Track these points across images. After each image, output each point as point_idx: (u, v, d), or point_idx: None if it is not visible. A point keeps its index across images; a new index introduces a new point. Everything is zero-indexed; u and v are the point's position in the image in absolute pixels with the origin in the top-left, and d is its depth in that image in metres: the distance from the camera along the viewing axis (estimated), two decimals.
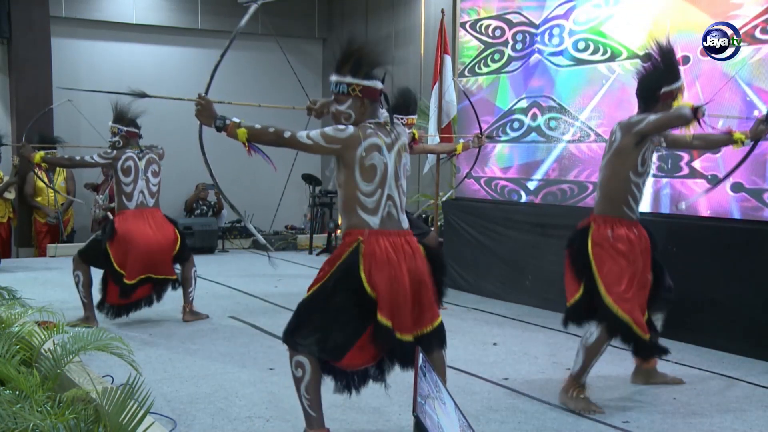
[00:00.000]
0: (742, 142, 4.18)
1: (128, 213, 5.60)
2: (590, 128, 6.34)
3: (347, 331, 3.17)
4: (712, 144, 4.43)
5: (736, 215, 5.21)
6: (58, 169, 9.22)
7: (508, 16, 7.03)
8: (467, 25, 7.46)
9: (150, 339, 5.30)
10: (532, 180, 6.85)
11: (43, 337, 3.89)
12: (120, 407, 2.77)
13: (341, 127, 3.17)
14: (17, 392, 3.13)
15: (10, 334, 3.91)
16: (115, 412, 2.77)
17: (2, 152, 8.57)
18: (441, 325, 3.35)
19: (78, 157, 5.80)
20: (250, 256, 10.06)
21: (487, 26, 7.25)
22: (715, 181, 5.18)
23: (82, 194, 10.07)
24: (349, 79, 3.20)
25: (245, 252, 10.43)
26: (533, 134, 6.83)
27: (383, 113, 3.30)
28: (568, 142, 6.52)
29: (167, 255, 5.70)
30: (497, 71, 7.14)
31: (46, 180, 8.62)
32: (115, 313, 5.64)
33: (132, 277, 5.48)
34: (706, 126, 3.86)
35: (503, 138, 7.07)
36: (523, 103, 6.90)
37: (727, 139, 4.23)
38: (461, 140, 6.51)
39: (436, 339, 3.32)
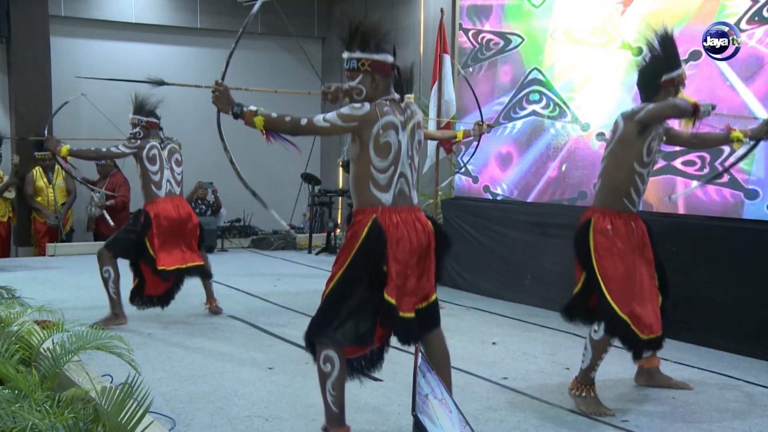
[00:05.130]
0: (741, 141, 4.12)
1: (159, 201, 5.65)
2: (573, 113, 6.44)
3: (373, 313, 3.15)
4: (709, 143, 4.37)
5: (737, 214, 5.21)
6: (57, 167, 9.21)
7: (510, 36, 7.06)
8: (469, 34, 7.48)
9: (149, 338, 5.29)
10: (528, 199, 6.92)
11: (42, 336, 3.89)
12: (119, 406, 2.77)
13: (357, 105, 3.15)
14: (16, 391, 3.13)
15: (9, 333, 3.91)
16: (114, 411, 2.77)
17: (2, 152, 8.55)
18: (435, 302, 3.33)
19: (104, 149, 5.78)
20: (250, 255, 10.05)
21: (488, 40, 7.29)
22: (737, 184, 5.18)
23: (80, 191, 10.06)
24: (358, 54, 3.20)
25: (244, 251, 10.41)
26: (533, 117, 6.86)
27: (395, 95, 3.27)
28: (567, 122, 6.56)
29: (195, 241, 5.83)
30: (498, 54, 7.19)
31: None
32: (146, 304, 5.70)
33: (168, 263, 5.53)
34: (707, 126, 3.81)
35: (509, 121, 7.09)
36: (525, 86, 6.94)
37: (725, 137, 4.17)
38: (462, 127, 6.48)
39: (430, 316, 3.30)
